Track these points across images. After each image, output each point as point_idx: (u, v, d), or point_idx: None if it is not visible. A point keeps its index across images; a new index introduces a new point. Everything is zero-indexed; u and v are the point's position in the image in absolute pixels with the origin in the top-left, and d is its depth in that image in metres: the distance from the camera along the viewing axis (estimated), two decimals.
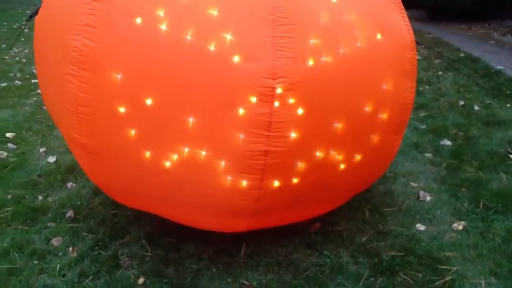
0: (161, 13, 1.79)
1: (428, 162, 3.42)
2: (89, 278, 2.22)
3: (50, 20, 2.11)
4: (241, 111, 1.76)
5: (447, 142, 3.73)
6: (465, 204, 2.82)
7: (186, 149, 1.84)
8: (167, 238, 2.50)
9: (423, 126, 4.14)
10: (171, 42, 1.77)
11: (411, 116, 3.78)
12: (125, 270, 2.27)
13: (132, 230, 2.58)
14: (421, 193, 2.95)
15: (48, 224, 2.65)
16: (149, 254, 2.39)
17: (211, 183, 1.89)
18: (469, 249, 2.40)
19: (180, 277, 2.23)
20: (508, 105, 4.61)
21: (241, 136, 1.78)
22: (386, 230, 2.58)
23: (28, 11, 13.26)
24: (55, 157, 3.51)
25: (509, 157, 3.43)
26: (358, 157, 2.12)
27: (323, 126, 1.91)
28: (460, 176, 3.18)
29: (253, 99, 1.74)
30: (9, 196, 2.94)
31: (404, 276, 2.22)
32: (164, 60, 1.78)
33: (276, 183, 1.92)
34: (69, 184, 3.10)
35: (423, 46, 3.09)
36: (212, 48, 1.75)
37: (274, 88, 1.74)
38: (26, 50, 7.53)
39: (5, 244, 2.47)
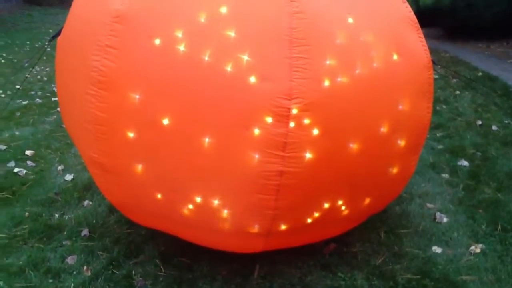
0: (179, 34, 1.82)
1: (445, 182, 3.38)
2: None
3: (72, 40, 2.16)
4: (256, 131, 1.76)
5: (465, 163, 3.68)
6: (483, 226, 2.77)
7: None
8: (181, 257, 2.49)
9: (440, 146, 4.10)
10: (189, 62, 1.80)
11: (428, 136, 3.75)
12: None
13: (146, 249, 2.58)
14: (438, 214, 2.90)
15: (63, 242, 2.67)
16: (162, 274, 2.38)
17: None
18: (487, 273, 2.35)
19: None
20: None
21: (256, 156, 1.78)
22: (401, 252, 2.54)
23: (50, 30, 13.60)
24: (72, 174, 3.55)
25: None
26: (374, 178, 2.10)
27: (339, 146, 1.91)
28: (477, 197, 3.13)
29: (269, 120, 1.75)
30: (27, 214, 2.98)
31: None
32: (182, 80, 1.80)
33: (291, 204, 1.91)
34: (86, 202, 3.13)
35: (439, 66, 3.08)
36: (229, 68, 1.77)
37: (289, 109, 1.75)
38: (47, 69, 7.69)
39: (20, 262, 2.49)
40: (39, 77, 7.21)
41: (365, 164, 2.01)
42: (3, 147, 4.15)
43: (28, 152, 4.01)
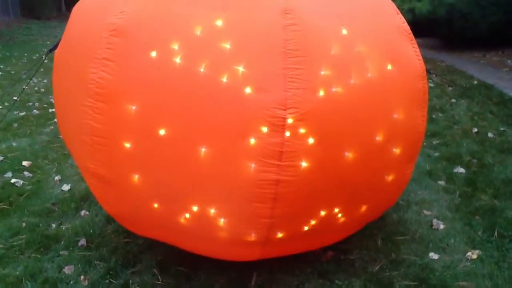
0: (175, 46, 1.84)
1: (442, 190, 3.39)
2: None
3: (69, 52, 2.19)
4: (252, 140, 1.78)
5: (461, 170, 3.70)
6: (480, 233, 2.78)
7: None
8: (178, 267, 2.49)
9: (437, 154, 4.12)
10: (185, 74, 1.82)
11: (424, 144, 3.78)
12: None
13: (144, 259, 2.59)
14: (435, 221, 2.92)
15: (61, 252, 2.68)
16: (160, 283, 2.39)
17: None
18: (484, 279, 2.36)
19: None
20: None
21: (252, 165, 1.80)
22: (399, 259, 2.55)
23: (48, 42, 13.65)
24: (69, 185, 3.55)
25: None
26: (370, 186, 2.12)
27: (334, 155, 1.93)
28: (474, 204, 3.14)
29: (265, 129, 1.77)
30: (24, 224, 2.98)
31: None
32: (178, 91, 1.82)
33: (287, 212, 1.92)
34: (83, 212, 3.13)
35: (435, 75, 3.11)
36: (224, 80, 1.80)
37: (285, 119, 1.77)
38: (45, 80, 7.71)
39: (17, 272, 2.49)
40: (36, 88, 7.22)
41: (361, 172, 2.03)
42: (0, 158, 4.16)
43: (25, 163, 4.02)
